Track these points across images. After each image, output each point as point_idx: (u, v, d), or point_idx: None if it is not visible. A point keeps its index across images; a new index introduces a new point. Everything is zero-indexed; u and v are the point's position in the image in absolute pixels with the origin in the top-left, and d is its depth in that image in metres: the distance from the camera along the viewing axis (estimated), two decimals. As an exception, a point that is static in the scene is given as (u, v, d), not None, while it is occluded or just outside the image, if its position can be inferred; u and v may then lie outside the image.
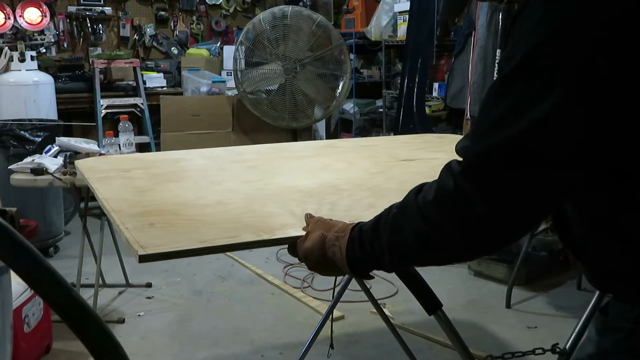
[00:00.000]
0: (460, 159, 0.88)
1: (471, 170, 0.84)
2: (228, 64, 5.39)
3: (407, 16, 5.00)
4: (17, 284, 2.14)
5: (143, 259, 1.05)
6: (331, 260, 1.07)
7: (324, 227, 1.12)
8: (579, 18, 0.78)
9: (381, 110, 5.64)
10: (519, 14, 0.83)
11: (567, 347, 2.25)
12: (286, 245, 1.18)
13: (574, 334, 2.27)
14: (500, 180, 0.82)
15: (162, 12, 6.00)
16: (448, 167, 0.88)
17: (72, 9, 5.59)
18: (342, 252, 1.04)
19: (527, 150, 0.80)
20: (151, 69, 5.75)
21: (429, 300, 1.19)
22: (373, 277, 1.10)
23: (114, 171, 1.74)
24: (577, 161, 0.80)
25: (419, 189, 0.93)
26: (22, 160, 3.16)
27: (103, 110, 5.11)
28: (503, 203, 0.83)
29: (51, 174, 2.94)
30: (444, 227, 0.88)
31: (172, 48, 6.01)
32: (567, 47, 0.77)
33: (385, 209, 1.00)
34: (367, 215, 1.28)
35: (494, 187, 0.83)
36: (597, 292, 2.28)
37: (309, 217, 1.20)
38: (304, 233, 1.16)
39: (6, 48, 4.81)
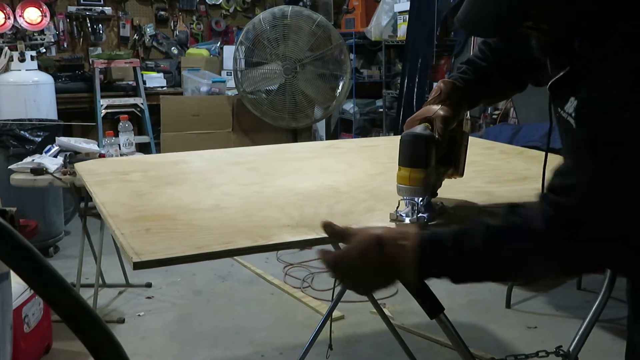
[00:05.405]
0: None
1: (590, 204, 0.92)
2: (228, 64, 5.39)
3: (407, 16, 5.01)
4: (17, 284, 2.14)
5: (137, 266, 1.05)
6: (389, 259, 1.00)
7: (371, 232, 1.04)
8: None
9: (381, 110, 5.64)
10: (601, 65, 0.91)
11: (570, 349, 2.24)
12: (285, 247, 1.18)
13: (578, 336, 2.25)
14: (617, 215, 0.92)
15: (162, 12, 6.01)
16: (554, 204, 0.95)
17: (72, 8, 5.60)
18: (414, 250, 0.98)
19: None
20: (151, 69, 5.75)
21: (430, 304, 1.18)
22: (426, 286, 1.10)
23: (113, 174, 1.73)
24: None
25: (512, 211, 0.98)
26: (22, 160, 3.16)
27: (103, 110, 5.12)
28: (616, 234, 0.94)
29: (51, 174, 2.95)
30: (553, 256, 0.95)
31: (172, 48, 6.02)
32: None
33: (469, 221, 1.02)
34: (365, 219, 1.28)
35: (610, 222, 0.92)
36: (601, 294, 2.27)
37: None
38: (299, 238, 1.15)
39: (6, 48, 4.81)
